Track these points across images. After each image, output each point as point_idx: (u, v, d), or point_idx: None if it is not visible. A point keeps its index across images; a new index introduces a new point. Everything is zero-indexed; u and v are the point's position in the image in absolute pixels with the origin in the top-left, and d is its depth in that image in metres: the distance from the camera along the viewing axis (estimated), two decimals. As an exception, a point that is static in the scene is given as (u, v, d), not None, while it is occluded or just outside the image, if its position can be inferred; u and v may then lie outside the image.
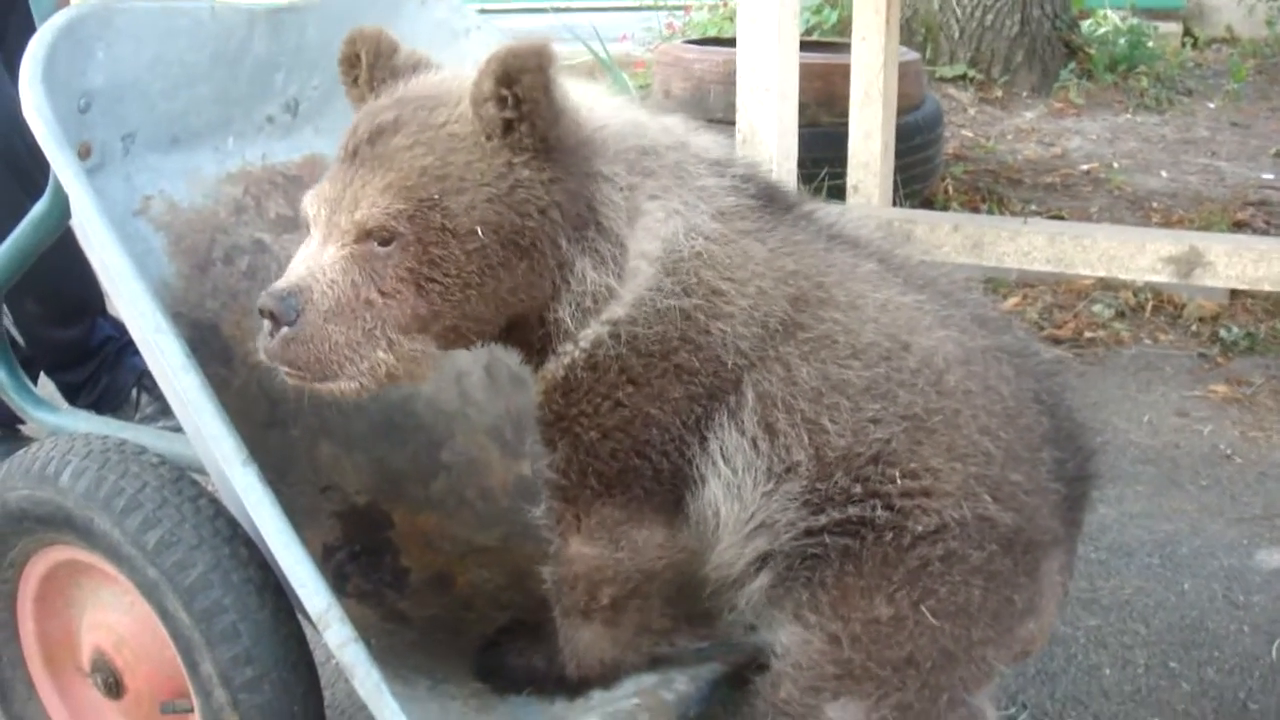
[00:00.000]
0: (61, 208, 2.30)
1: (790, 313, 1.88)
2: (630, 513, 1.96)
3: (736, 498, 1.90)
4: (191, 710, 2.08)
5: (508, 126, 1.78)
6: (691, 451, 1.90)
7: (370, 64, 1.99)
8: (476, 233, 1.78)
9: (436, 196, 1.78)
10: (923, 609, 1.82)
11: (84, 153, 2.27)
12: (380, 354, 1.82)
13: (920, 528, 1.83)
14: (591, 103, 1.93)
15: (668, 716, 2.01)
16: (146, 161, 2.37)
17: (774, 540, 1.90)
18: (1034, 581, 1.89)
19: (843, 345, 1.88)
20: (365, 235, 1.80)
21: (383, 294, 1.80)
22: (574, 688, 2.12)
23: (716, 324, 1.86)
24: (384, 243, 1.79)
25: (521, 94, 1.75)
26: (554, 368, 1.92)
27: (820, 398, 1.85)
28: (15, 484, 2.11)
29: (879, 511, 1.84)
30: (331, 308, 1.81)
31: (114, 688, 2.20)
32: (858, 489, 1.85)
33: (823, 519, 1.87)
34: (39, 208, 2.41)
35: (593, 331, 1.88)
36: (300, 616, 2.02)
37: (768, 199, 2.00)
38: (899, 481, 1.84)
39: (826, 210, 2.09)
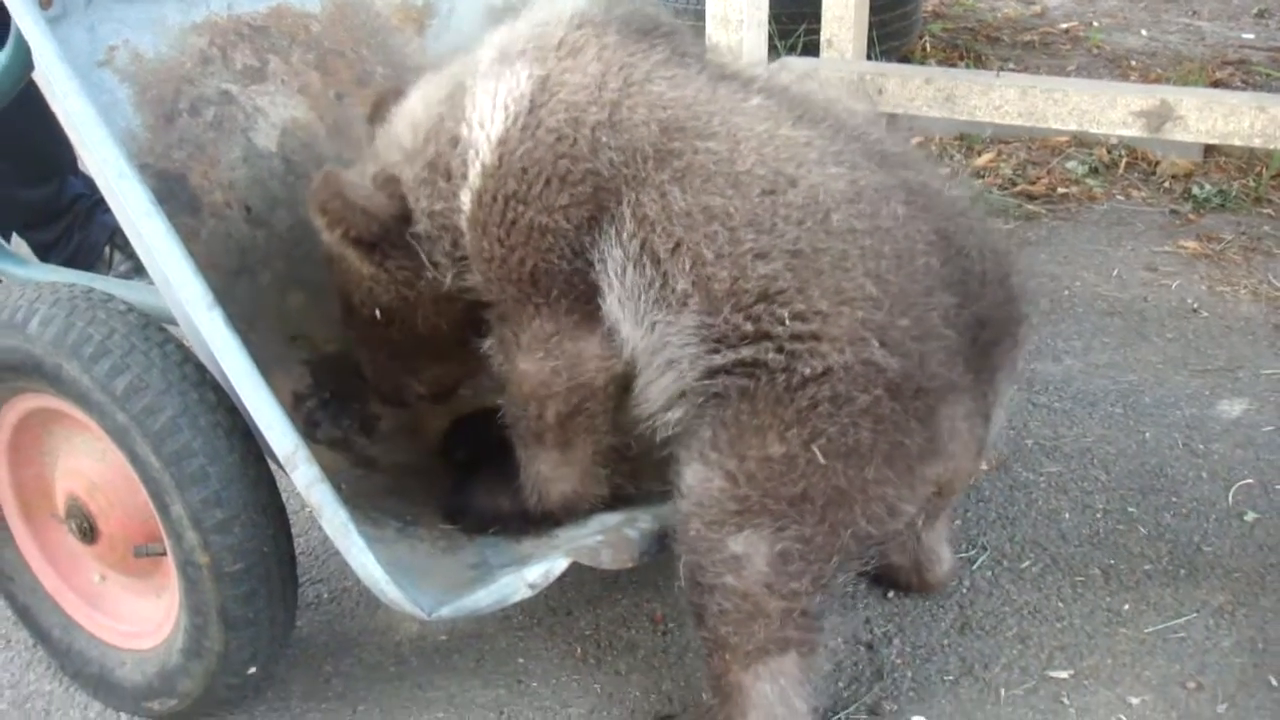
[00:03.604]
0: (23, 59, 2.28)
1: (660, 139, 1.96)
2: (559, 325, 2.05)
3: (635, 321, 1.98)
4: (164, 553, 2.13)
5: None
6: (591, 256, 2.00)
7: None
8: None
9: None
10: (813, 448, 1.89)
11: (45, 3, 2.26)
12: None
13: (808, 370, 1.88)
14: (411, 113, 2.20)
15: (631, 552, 2.06)
16: (110, 12, 2.36)
17: (682, 378, 1.98)
18: (929, 426, 1.93)
19: (719, 175, 1.93)
20: None
21: None
22: (538, 522, 2.18)
23: (582, 132, 1.97)
24: None
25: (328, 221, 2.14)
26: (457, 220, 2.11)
27: (697, 226, 1.91)
28: (-16, 333, 2.13)
29: (770, 354, 1.90)
30: None
31: (88, 532, 2.25)
32: (749, 327, 1.91)
33: (719, 359, 1.94)
34: (0, 59, 2.39)
35: (466, 191, 2.07)
36: (270, 460, 2.05)
37: (638, 29, 2.09)
38: (788, 323, 1.89)
39: (722, 55, 2.19)
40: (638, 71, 2.02)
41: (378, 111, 2.30)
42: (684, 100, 1.99)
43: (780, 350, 1.90)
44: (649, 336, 1.98)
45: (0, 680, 2.44)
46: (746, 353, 1.92)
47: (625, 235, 1.96)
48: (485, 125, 2.04)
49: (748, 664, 2.02)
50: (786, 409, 1.89)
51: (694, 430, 1.99)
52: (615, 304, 2.00)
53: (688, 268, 1.92)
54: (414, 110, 2.18)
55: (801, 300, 1.89)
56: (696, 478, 1.97)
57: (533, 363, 2.08)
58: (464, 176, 2.07)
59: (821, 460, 1.89)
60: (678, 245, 1.93)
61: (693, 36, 2.20)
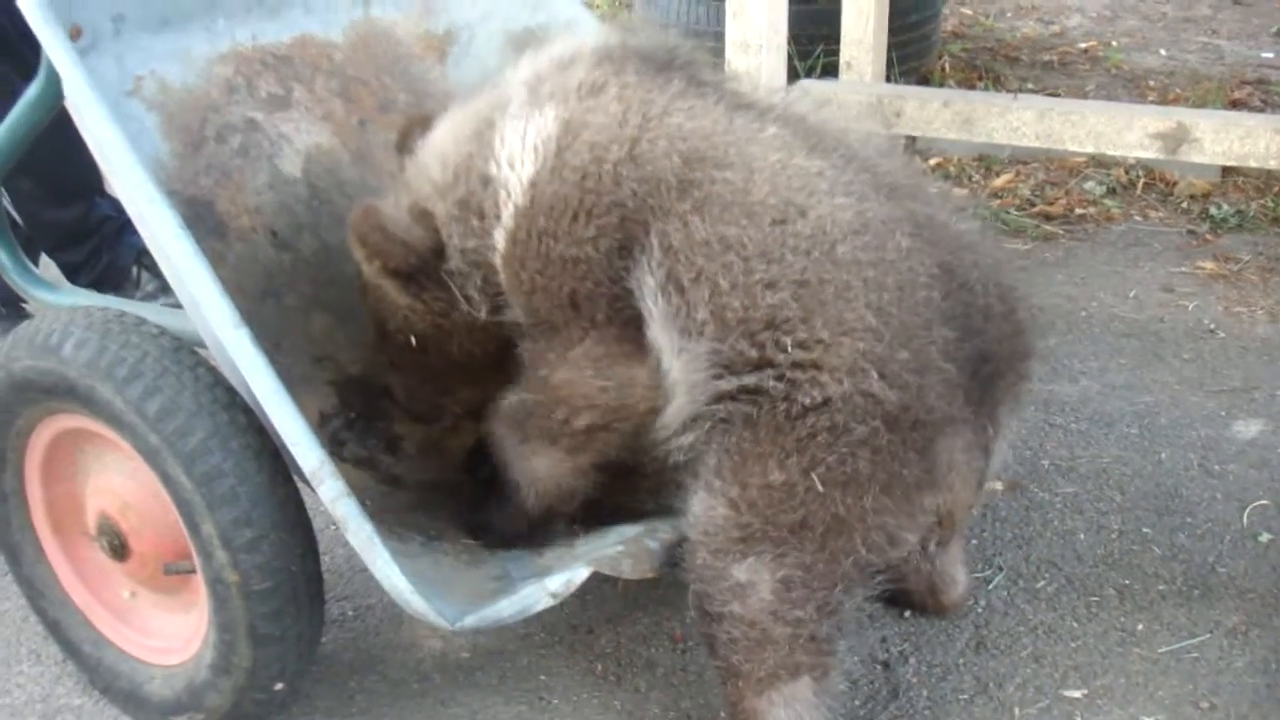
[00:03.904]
0: (55, 89, 2.34)
1: (682, 169, 2.00)
2: (609, 350, 2.09)
3: (672, 351, 2.02)
4: (194, 570, 2.18)
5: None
6: (629, 283, 2.04)
7: None
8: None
9: None
10: (812, 476, 1.93)
11: (75, 34, 2.32)
12: None
13: (808, 400, 1.93)
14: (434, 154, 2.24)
15: (651, 562, 2.10)
16: (138, 42, 2.41)
17: (694, 402, 2.02)
18: (926, 458, 1.96)
19: (735, 205, 1.97)
20: None
21: None
22: (538, 520, 2.24)
23: (604, 168, 2.02)
24: None
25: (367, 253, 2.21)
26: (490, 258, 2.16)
27: (715, 255, 1.96)
28: (20, 355, 2.18)
29: (772, 382, 1.94)
30: None
31: (119, 550, 2.30)
32: (754, 354, 1.95)
33: (724, 384, 1.98)
34: (32, 90, 2.46)
35: (500, 230, 2.12)
36: (298, 480, 2.10)
37: (655, 63, 2.14)
38: (790, 350, 1.93)
39: (739, 83, 2.23)
40: (656, 106, 2.06)
41: (405, 140, 2.35)
42: (702, 131, 2.04)
43: (781, 378, 1.94)
44: (678, 360, 2.02)
45: (31, 694, 2.49)
46: (749, 379, 1.96)
47: (654, 263, 2.00)
48: (516, 166, 2.09)
49: (760, 690, 2.05)
50: (787, 437, 1.94)
51: (701, 457, 2.04)
52: (658, 331, 2.03)
53: (707, 297, 1.97)
54: (443, 145, 2.22)
55: (805, 329, 1.93)
56: (702, 506, 2.01)
57: (579, 375, 2.11)
58: (497, 217, 2.12)
59: (820, 488, 1.93)
60: (699, 274, 1.97)
61: (710, 65, 2.24)
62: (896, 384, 1.93)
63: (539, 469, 2.21)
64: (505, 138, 2.12)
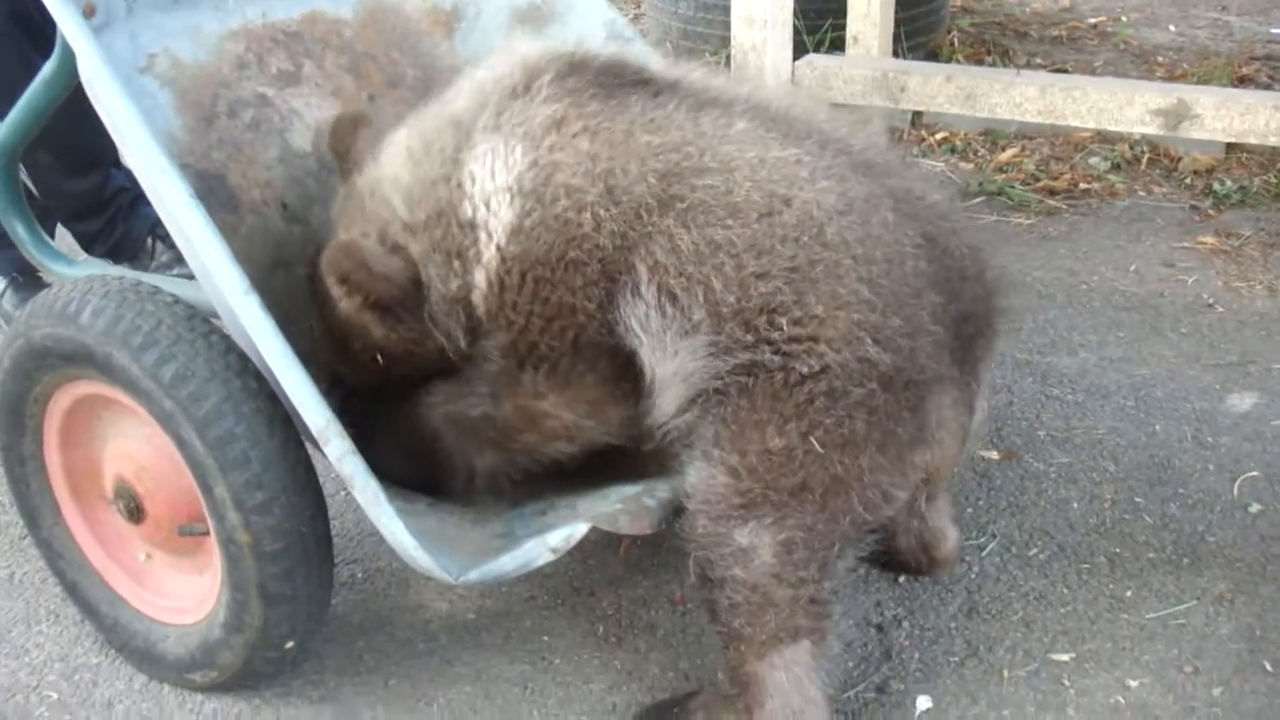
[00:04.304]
0: (70, 66, 2.40)
1: (660, 188, 2.04)
2: (609, 392, 2.16)
3: (665, 357, 2.07)
4: (207, 532, 2.25)
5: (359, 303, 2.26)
6: (619, 330, 2.08)
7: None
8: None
9: None
10: (811, 439, 1.99)
11: (89, 12, 2.38)
12: None
13: (805, 369, 1.99)
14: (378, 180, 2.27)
15: (649, 520, 2.16)
16: (150, 20, 2.48)
17: (691, 386, 2.07)
18: (918, 415, 2.03)
19: (720, 208, 2.02)
20: None
21: None
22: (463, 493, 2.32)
23: (584, 215, 2.05)
24: None
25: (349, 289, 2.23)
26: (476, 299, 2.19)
27: (705, 260, 2.01)
28: (38, 323, 2.25)
29: (768, 356, 2.00)
30: None
31: (135, 513, 2.37)
32: (749, 337, 2.01)
33: (720, 364, 2.03)
34: (48, 68, 2.52)
35: (481, 273, 2.14)
36: (308, 444, 2.16)
37: (610, 84, 2.16)
38: (786, 329, 1.99)
39: (696, 77, 2.24)
40: (618, 132, 2.10)
41: (340, 145, 2.40)
42: (672, 144, 2.08)
43: (778, 352, 2.00)
44: (673, 362, 2.08)
45: (50, 653, 2.57)
46: (744, 357, 2.02)
47: (642, 287, 2.05)
48: (493, 206, 2.12)
49: (762, 654, 2.11)
50: (785, 404, 1.99)
51: (697, 430, 2.09)
52: (648, 353, 2.08)
53: (701, 299, 2.02)
54: (402, 178, 2.24)
55: (799, 309, 1.99)
56: (700, 475, 2.07)
57: (568, 413, 2.18)
58: (478, 259, 2.15)
59: (819, 450, 1.99)
60: (690, 281, 2.02)
61: (664, 63, 2.28)
62: (890, 348, 1.99)
63: (480, 464, 2.27)
64: (475, 175, 2.14)
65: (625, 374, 2.14)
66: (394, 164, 2.26)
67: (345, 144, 2.38)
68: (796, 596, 2.08)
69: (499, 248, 2.12)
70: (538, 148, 2.11)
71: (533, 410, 2.20)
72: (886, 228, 2.04)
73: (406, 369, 2.34)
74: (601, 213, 2.06)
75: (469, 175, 2.15)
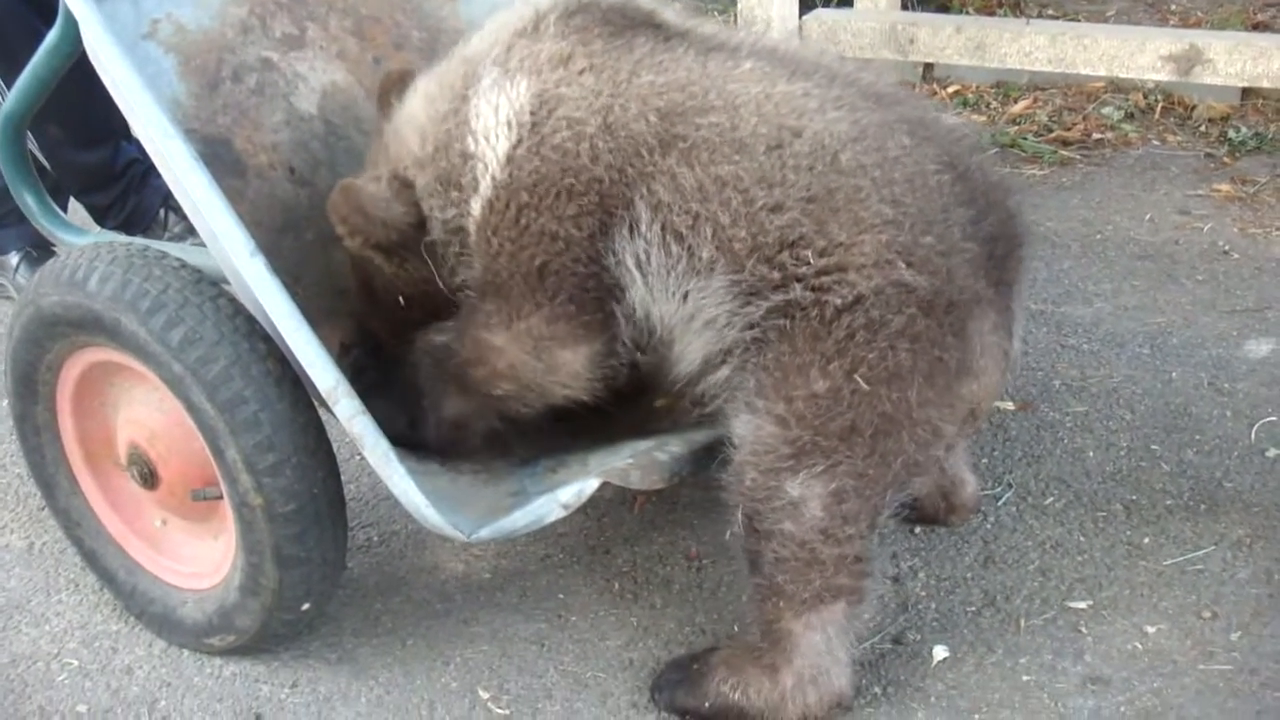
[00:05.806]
0: (74, 35, 2.40)
1: (661, 127, 2.04)
2: (556, 331, 2.15)
3: (666, 297, 2.06)
4: (220, 496, 2.26)
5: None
6: (607, 260, 2.08)
7: None
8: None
9: None
10: (856, 377, 1.97)
11: (90, -22, 2.36)
12: None
13: (839, 301, 1.96)
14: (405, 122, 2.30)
15: (661, 474, 2.16)
16: (152, -14, 2.47)
17: (721, 337, 2.06)
18: (962, 340, 2.01)
19: (725, 145, 2.01)
20: None
21: None
22: (443, 446, 2.34)
23: (582, 145, 2.06)
24: None
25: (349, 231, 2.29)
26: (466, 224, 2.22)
27: (711, 197, 2.01)
28: (47, 291, 2.26)
29: (800, 292, 1.98)
30: None
31: (149, 478, 2.38)
32: (776, 275, 1.99)
33: (754, 309, 2.02)
34: (52, 35, 2.52)
35: (477, 200, 2.16)
36: (318, 405, 2.17)
37: (618, 24, 2.17)
38: (813, 261, 1.97)
39: (706, 26, 2.24)
40: (623, 70, 2.10)
41: (385, 97, 2.40)
42: (677, 83, 2.07)
43: (810, 288, 1.97)
44: (682, 306, 2.06)
45: (71, 621, 2.58)
46: (777, 298, 1.99)
47: (643, 227, 2.05)
48: (491, 140, 2.14)
49: (800, 612, 2.10)
50: (825, 342, 1.97)
51: (738, 384, 2.07)
52: (641, 295, 2.08)
53: (709, 236, 2.01)
54: (418, 116, 2.27)
55: (822, 238, 1.97)
56: (747, 428, 2.04)
57: (513, 348, 2.18)
58: (475, 188, 2.17)
59: (865, 388, 1.96)
60: (696, 218, 2.02)
61: (676, 11, 2.27)
62: (926, 269, 1.97)
63: (447, 407, 2.29)
64: (480, 111, 2.16)
65: (581, 317, 2.13)
66: (413, 104, 2.30)
67: (389, 97, 2.40)
68: (843, 555, 2.07)
69: (493, 177, 2.14)
70: (542, 82, 2.12)
71: (483, 342, 2.21)
72: (904, 150, 2.02)
73: (426, 313, 2.35)
74: (600, 144, 2.06)
75: (473, 109, 2.17)
